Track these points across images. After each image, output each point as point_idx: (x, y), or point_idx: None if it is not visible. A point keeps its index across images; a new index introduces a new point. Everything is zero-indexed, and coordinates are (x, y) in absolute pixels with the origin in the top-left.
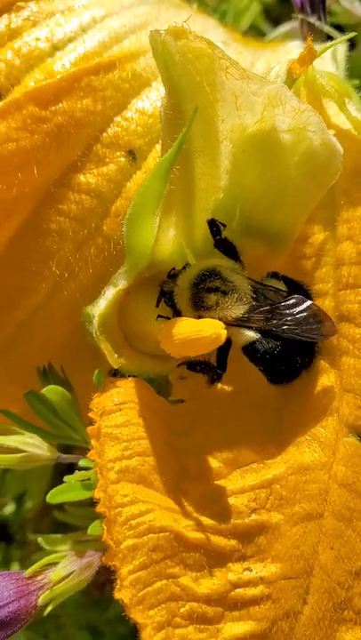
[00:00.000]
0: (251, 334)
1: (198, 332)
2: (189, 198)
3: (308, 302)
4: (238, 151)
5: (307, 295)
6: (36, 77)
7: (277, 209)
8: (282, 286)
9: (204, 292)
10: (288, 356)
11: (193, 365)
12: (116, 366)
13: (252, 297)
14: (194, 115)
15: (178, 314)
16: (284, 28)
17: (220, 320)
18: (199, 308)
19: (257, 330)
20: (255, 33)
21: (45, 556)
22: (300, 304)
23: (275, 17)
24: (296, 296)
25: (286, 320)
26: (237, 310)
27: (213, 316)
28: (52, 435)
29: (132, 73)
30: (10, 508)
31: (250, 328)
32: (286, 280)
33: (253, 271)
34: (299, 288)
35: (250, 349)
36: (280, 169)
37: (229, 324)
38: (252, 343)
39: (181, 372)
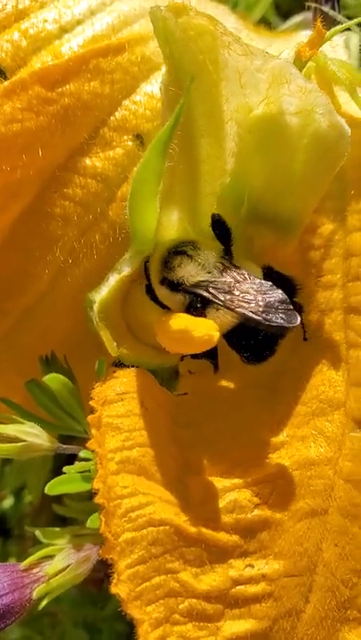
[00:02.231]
0: (230, 319)
1: (191, 331)
2: (194, 181)
3: (278, 290)
4: (244, 132)
5: (292, 290)
6: (43, 59)
7: (286, 194)
8: (259, 274)
9: (172, 255)
10: (265, 337)
11: (210, 355)
12: (114, 354)
13: (218, 270)
14: (191, 83)
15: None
16: (297, 18)
17: (182, 282)
18: (165, 270)
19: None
20: (266, 26)
21: (42, 549)
22: (268, 288)
23: (285, 11)
24: (265, 282)
25: (245, 298)
26: (198, 276)
27: (173, 277)
28: (53, 425)
29: (141, 56)
30: (8, 502)
31: (207, 300)
32: (279, 275)
33: (262, 261)
34: (287, 283)
35: (229, 337)
36: (288, 153)
37: (188, 289)
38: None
39: (190, 365)
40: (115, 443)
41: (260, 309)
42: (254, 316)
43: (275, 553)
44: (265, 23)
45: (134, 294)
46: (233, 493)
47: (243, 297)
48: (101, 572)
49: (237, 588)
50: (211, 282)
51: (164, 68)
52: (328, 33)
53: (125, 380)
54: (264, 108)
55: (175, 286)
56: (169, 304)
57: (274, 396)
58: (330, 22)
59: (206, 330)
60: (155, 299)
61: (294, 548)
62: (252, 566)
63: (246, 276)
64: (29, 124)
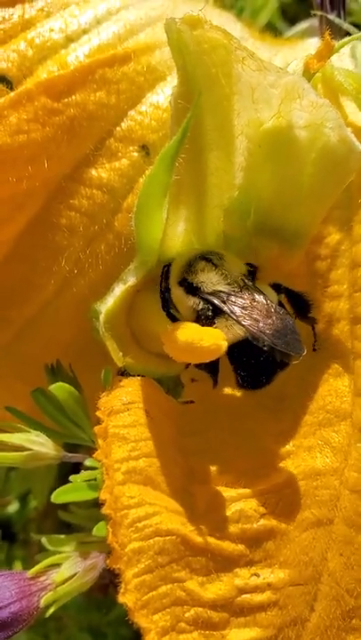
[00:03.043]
0: (238, 333)
1: (199, 340)
2: (201, 193)
3: (291, 319)
4: (254, 147)
5: (306, 308)
6: (49, 69)
7: (293, 208)
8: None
9: (197, 259)
10: (266, 362)
11: (200, 364)
12: (120, 364)
13: (239, 286)
14: (199, 97)
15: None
16: (303, 25)
17: (201, 286)
18: (187, 272)
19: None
20: (272, 32)
21: (49, 556)
22: (283, 315)
23: (291, 16)
24: (280, 308)
25: (258, 317)
26: (219, 285)
27: (194, 279)
28: (59, 433)
29: (147, 66)
30: (13, 507)
31: (219, 310)
32: (289, 292)
33: (268, 272)
34: (298, 299)
35: (232, 350)
36: (297, 166)
37: (204, 295)
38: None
39: (193, 374)
40: (121, 453)
41: (270, 332)
42: (263, 335)
43: (280, 562)
44: (271, 28)
45: (140, 304)
46: (239, 503)
47: (256, 316)
48: (107, 579)
49: (243, 596)
50: (229, 294)
51: (170, 79)
52: (336, 45)
53: (131, 390)
54: (274, 121)
55: (193, 289)
56: (180, 307)
57: (280, 405)
58: (336, 29)
59: (214, 339)
60: (165, 304)
61: (300, 557)
62: (258, 575)
63: (264, 299)
64: (35, 134)
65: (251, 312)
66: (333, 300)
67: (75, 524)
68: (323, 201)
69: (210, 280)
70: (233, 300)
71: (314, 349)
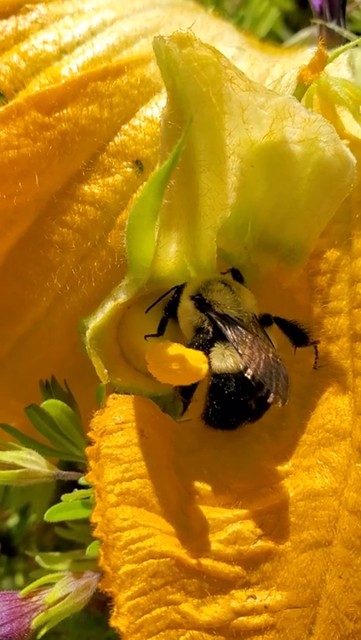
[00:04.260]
0: (230, 366)
1: (180, 362)
2: (193, 215)
3: (284, 367)
4: (247, 167)
5: (303, 338)
6: (42, 82)
7: (291, 224)
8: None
9: (216, 280)
10: (242, 405)
11: (184, 393)
12: (104, 381)
13: (248, 319)
14: (190, 122)
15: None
16: (304, 34)
17: (212, 305)
18: (203, 288)
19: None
20: (274, 39)
21: (43, 574)
22: (280, 363)
23: (294, 24)
24: (278, 356)
25: (256, 354)
26: (231, 310)
27: (208, 296)
28: (53, 450)
29: (140, 79)
30: (13, 521)
31: (222, 336)
32: (280, 322)
33: (268, 288)
34: (294, 330)
35: (217, 379)
36: (292, 182)
37: (213, 314)
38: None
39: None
40: (114, 474)
41: (263, 368)
42: (256, 368)
43: (277, 584)
44: (274, 36)
45: (129, 321)
46: (236, 525)
47: (255, 350)
48: (105, 595)
49: (239, 619)
50: (236, 322)
51: (163, 98)
52: (330, 55)
53: (125, 409)
54: (266, 139)
55: (203, 306)
56: (182, 321)
57: (279, 423)
58: (336, 38)
59: (196, 361)
60: (163, 322)
61: (297, 579)
62: (255, 597)
63: (267, 339)
64: (26, 150)
65: (251, 345)
66: (334, 316)
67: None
68: (320, 216)
69: (223, 302)
70: (239, 329)
71: (314, 368)
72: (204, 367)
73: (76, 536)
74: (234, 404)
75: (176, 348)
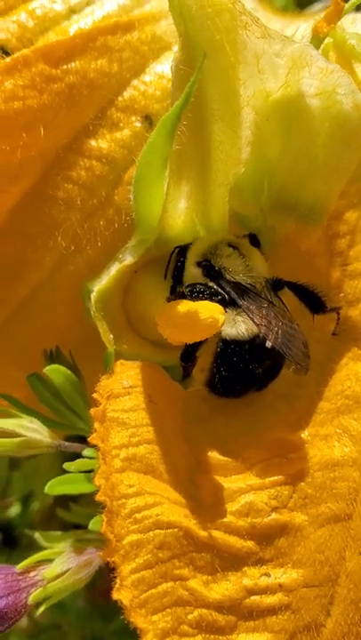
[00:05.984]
0: (242, 332)
1: (194, 314)
2: (205, 168)
3: (302, 333)
4: (262, 120)
5: (320, 305)
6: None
7: (309, 181)
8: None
9: (225, 244)
10: (250, 373)
11: (185, 357)
12: (110, 348)
13: (261, 285)
14: (203, 60)
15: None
16: (316, 7)
17: (223, 272)
18: (211, 253)
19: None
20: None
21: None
22: (297, 329)
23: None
24: (295, 324)
25: (272, 321)
26: (242, 276)
27: (217, 262)
28: (56, 423)
29: (151, 35)
30: (15, 510)
31: (234, 303)
32: (292, 286)
33: (285, 252)
34: (307, 294)
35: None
36: (309, 137)
37: (224, 283)
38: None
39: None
40: (120, 439)
41: (281, 334)
42: (273, 335)
43: (293, 561)
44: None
45: (136, 286)
46: (248, 495)
47: (271, 319)
48: (109, 582)
49: (252, 598)
50: (248, 289)
51: (176, 47)
52: (347, 5)
53: (133, 373)
54: (282, 91)
55: (212, 273)
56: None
57: (295, 391)
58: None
59: (211, 312)
60: (174, 288)
61: (315, 556)
62: (269, 575)
63: (282, 305)
64: (31, 101)
65: (267, 314)
66: (353, 278)
67: (75, 522)
68: (339, 172)
69: (234, 268)
70: (253, 297)
71: (334, 334)
72: (221, 318)
73: (77, 518)
74: (241, 372)
75: (189, 303)
